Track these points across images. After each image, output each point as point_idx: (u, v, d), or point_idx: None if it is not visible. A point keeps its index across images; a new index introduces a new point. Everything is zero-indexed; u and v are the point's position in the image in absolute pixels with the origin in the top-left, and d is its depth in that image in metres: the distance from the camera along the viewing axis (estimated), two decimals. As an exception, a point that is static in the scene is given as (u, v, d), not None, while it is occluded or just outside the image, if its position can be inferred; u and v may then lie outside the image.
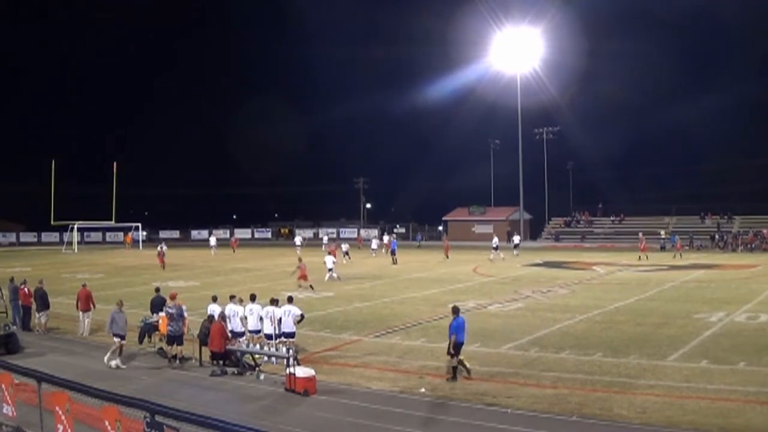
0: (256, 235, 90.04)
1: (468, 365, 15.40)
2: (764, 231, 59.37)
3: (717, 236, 61.94)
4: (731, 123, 78.28)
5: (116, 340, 16.93)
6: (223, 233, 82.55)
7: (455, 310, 15.81)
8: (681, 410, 12.62)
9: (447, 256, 49.34)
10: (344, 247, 49.10)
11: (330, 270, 34.42)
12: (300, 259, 32.90)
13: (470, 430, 12.03)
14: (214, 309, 17.62)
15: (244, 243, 74.14)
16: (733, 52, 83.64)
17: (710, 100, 75.51)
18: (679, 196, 75.11)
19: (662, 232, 62.29)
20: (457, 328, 15.33)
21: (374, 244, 50.22)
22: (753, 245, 57.12)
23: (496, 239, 50.82)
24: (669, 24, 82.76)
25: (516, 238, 56.35)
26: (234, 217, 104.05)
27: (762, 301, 25.83)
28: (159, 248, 42.26)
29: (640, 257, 45.80)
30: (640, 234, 52.73)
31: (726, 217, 68.13)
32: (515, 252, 52.68)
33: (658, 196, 78.73)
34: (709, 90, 77.57)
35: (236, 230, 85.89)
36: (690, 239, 61.82)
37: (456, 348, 15.24)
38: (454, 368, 15.22)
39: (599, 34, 79.21)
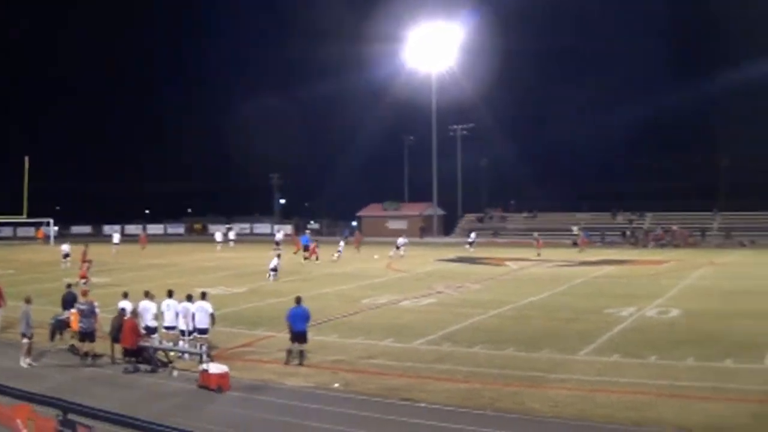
0: (169, 231, 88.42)
1: (294, 358, 16.22)
2: (674, 227, 61.27)
3: (628, 233, 63.94)
4: (642, 123, 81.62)
5: (24, 341, 16.59)
6: (135, 228, 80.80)
7: (297, 300, 17.01)
8: (593, 403, 12.98)
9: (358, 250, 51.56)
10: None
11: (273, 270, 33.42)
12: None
13: (385, 425, 12.21)
14: (126, 305, 17.45)
15: (156, 239, 72.56)
16: (628, 56, 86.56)
17: (625, 98, 79.00)
18: (592, 193, 77.20)
19: (574, 228, 63.90)
20: (292, 318, 16.49)
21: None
22: (664, 242, 58.78)
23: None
24: (579, 23, 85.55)
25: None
26: (147, 212, 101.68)
27: (672, 296, 26.57)
28: (82, 250, 38.38)
29: (538, 254, 46.89)
30: (535, 234, 54.44)
31: (638, 214, 69.92)
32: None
33: (570, 192, 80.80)
34: (628, 90, 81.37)
35: (148, 225, 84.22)
36: (601, 235, 63.88)
37: (294, 336, 16.31)
38: (300, 353, 16.32)
39: (515, 32, 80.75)
